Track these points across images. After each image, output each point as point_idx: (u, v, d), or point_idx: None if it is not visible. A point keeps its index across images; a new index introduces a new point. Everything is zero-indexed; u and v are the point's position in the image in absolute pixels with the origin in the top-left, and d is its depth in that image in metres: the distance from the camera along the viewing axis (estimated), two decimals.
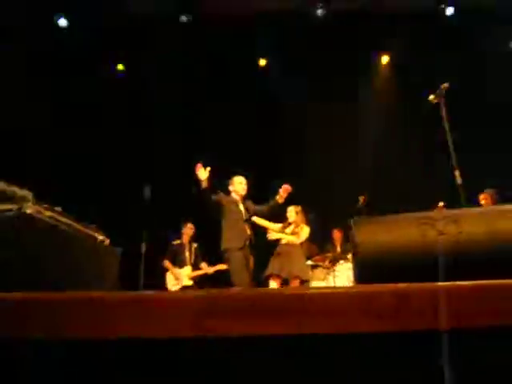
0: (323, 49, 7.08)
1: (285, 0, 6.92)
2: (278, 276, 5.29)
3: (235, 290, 1.05)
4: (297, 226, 5.50)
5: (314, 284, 5.88)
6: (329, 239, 6.78)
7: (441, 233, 1.27)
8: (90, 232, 3.15)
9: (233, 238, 4.68)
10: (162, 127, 7.39)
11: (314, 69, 7.25)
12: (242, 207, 4.87)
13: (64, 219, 2.30)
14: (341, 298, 1.00)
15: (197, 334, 0.94)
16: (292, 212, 5.54)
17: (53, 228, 1.92)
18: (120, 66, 7.75)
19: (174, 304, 0.97)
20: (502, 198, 5.09)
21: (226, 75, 7.31)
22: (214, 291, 1.07)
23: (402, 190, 6.74)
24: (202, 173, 4.54)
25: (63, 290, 1.32)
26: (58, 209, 2.28)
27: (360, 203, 5.88)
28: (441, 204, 4.96)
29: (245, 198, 4.97)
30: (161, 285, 6.05)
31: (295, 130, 7.36)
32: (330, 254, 6.19)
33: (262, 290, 1.02)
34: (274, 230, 5.41)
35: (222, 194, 4.86)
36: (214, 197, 4.74)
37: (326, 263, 6.10)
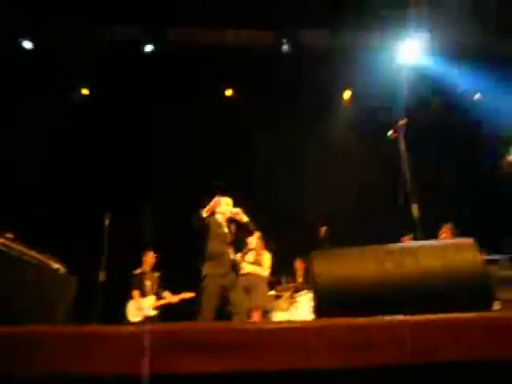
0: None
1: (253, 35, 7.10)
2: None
3: (187, 324, 1.00)
4: (258, 252, 5.47)
5: (277, 314, 5.82)
6: (290, 269, 6.78)
7: (398, 265, 1.29)
8: (44, 260, 3.02)
9: (214, 264, 4.45)
10: (123, 154, 7.30)
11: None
12: (226, 230, 4.67)
13: (15, 246, 2.20)
14: (297, 333, 0.98)
15: (140, 371, 0.89)
16: (253, 238, 5.52)
17: (2, 254, 1.83)
18: (84, 91, 7.67)
19: (119, 339, 0.92)
20: (459, 232, 5.28)
21: (191, 103, 7.36)
22: (159, 326, 1.03)
23: (365, 222, 6.87)
24: (218, 206, 4.57)
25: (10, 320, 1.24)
26: (10, 236, 2.17)
27: (321, 234, 5.95)
28: (408, 236, 5.09)
29: (230, 221, 4.76)
30: (121, 316, 5.83)
31: (264, 158, 7.44)
32: (292, 285, 6.17)
33: (216, 324, 0.99)
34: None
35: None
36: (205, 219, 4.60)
37: (289, 294, 6.07)
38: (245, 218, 4.70)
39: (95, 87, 7.65)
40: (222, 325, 0.99)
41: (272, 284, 6.04)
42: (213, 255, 4.50)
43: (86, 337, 0.94)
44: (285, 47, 7.20)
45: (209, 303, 4.26)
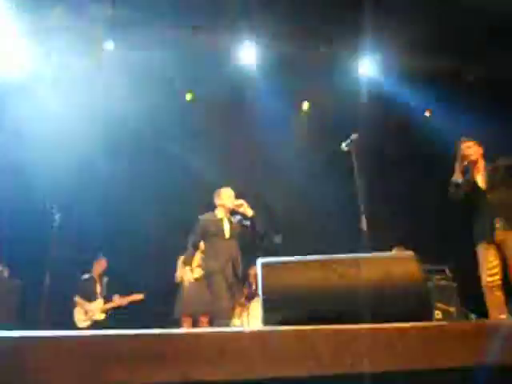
0: None
1: None
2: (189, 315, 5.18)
3: (128, 332, 1.00)
4: None
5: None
6: (245, 276, 6.79)
7: (342, 276, 1.34)
8: None
9: (210, 260, 4.24)
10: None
11: None
12: (226, 225, 4.38)
13: None
14: (241, 341, 1.00)
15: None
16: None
17: None
18: None
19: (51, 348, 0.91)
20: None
21: None
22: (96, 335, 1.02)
23: (317, 232, 7.01)
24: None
25: None
26: None
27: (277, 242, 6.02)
28: (398, 248, 5.22)
29: (232, 213, 4.51)
30: (68, 321, 5.66)
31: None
32: (245, 291, 6.18)
33: (157, 332, 0.99)
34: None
35: (199, 228, 4.41)
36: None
37: (242, 301, 6.08)
38: (250, 212, 4.40)
39: None
40: (164, 333, 0.99)
41: None
42: (207, 254, 4.33)
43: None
44: None
45: (219, 300, 4.06)
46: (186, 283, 4.63)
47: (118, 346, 0.96)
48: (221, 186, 4.68)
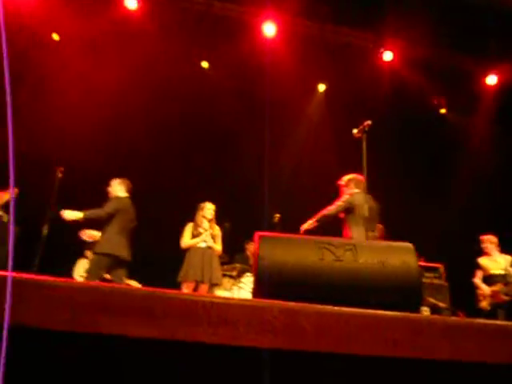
0: None
1: None
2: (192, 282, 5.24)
3: (125, 286, 1.00)
4: (212, 225, 5.47)
5: (219, 293, 5.87)
6: (242, 250, 6.83)
7: (338, 259, 1.34)
8: None
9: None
10: None
11: None
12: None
13: None
14: (232, 309, 1.00)
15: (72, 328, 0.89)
16: (211, 210, 5.49)
17: None
18: None
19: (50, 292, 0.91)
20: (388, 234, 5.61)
21: None
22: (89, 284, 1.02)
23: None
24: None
25: None
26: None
27: (275, 220, 6.02)
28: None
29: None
30: (67, 272, 5.73)
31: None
32: (238, 265, 6.23)
33: (154, 290, 0.99)
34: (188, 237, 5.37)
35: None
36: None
37: (234, 273, 6.13)
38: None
39: None
40: (161, 292, 0.99)
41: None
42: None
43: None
44: None
45: None
46: (194, 249, 5.21)
47: (110, 299, 0.97)
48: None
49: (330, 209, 4.46)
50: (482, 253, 5.84)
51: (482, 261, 5.78)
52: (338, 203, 4.48)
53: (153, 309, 0.98)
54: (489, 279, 5.59)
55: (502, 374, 1.20)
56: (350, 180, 4.62)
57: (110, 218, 4.64)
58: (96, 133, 6.41)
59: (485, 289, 5.55)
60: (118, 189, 4.94)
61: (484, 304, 5.57)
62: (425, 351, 1.18)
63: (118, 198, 4.85)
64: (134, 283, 5.83)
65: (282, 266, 1.32)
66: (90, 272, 4.57)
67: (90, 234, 5.52)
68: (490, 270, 5.64)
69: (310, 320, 1.10)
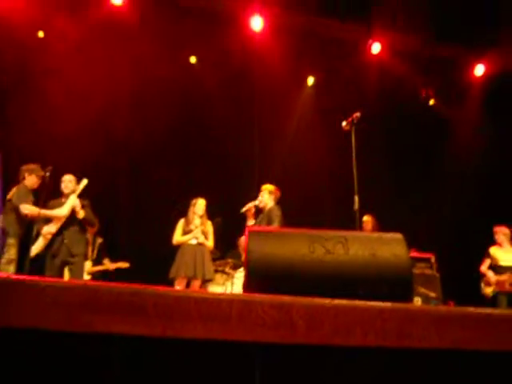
0: None
1: None
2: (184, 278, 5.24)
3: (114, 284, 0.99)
4: (204, 221, 5.47)
5: (212, 288, 5.87)
6: (234, 247, 6.82)
7: (329, 251, 1.34)
8: None
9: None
10: None
11: None
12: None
13: None
14: (223, 304, 1.00)
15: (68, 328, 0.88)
16: (202, 205, 5.49)
17: None
18: None
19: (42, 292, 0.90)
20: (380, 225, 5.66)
21: None
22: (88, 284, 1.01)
23: (310, 207, 7.05)
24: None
25: None
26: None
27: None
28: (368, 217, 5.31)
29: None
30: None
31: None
32: (231, 260, 6.23)
33: (146, 287, 0.98)
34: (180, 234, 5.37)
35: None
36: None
37: (227, 269, 6.13)
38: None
39: None
40: (150, 289, 0.99)
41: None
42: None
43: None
44: None
45: None
46: (186, 245, 5.27)
47: (100, 297, 0.96)
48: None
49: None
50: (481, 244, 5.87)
51: (493, 250, 5.78)
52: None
53: (144, 306, 0.97)
54: (497, 269, 5.60)
55: (493, 361, 1.21)
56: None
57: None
58: (84, 131, 6.35)
59: (491, 276, 5.58)
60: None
61: (487, 291, 5.61)
62: (416, 340, 1.18)
63: None
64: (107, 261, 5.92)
65: (272, 259, 1.31)
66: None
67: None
68: (499, 261, 5.65)
69: (301, 313, 1.10)
